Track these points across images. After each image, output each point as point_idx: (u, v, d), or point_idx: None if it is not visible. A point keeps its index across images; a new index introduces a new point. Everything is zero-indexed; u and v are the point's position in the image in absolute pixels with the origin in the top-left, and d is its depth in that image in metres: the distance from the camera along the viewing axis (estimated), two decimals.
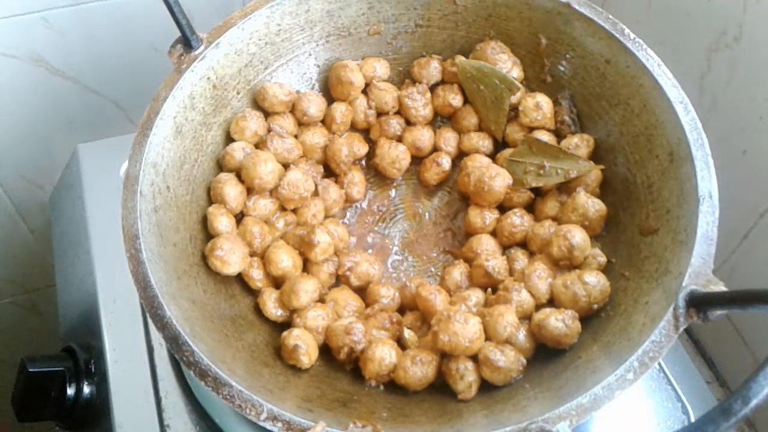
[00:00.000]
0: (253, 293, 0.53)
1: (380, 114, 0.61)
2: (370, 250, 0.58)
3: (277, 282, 0.53)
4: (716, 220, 0.45)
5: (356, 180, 0.59)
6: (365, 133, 0.62)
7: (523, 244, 0.55)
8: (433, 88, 0.61)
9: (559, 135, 0.58)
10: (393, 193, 0.62)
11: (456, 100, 0.60)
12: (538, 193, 0.57)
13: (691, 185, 0.46)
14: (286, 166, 0.56)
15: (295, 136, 0.59)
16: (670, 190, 0.48)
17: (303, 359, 0.47)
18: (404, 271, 0.58)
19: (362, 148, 0.60)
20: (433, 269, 0.58)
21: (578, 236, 0.50)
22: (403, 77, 0.63)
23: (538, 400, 0.43)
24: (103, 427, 0.56)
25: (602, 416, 0.55)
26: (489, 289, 0.51)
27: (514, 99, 0.58)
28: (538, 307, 0.49)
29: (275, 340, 0.50)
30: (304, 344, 0.47)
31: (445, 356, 0.48)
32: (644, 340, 0.41)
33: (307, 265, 0.54)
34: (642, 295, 0.46)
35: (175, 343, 0.42)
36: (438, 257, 0.58)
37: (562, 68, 0.58)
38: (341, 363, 0.50)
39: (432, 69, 0.60)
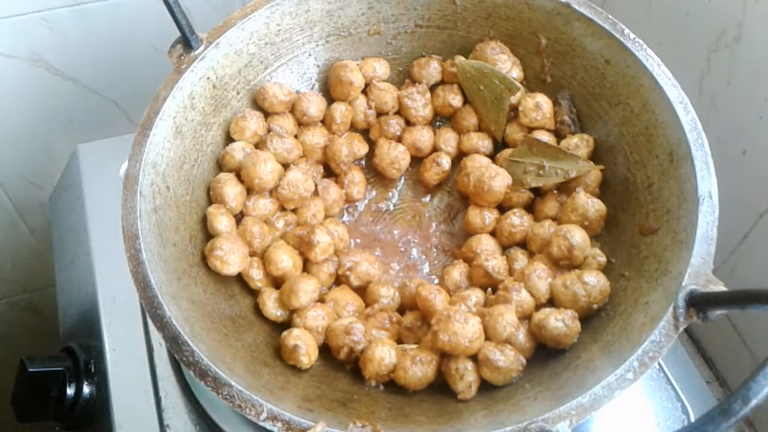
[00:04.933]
0: (253, 293, 0.53)
1: (380, 114, 0.61)
2: (377, 252, 0.58)
3: (277, 282, 0.53)
4: (716, 220, 0.45)
5: (356, 180, 0.59)
6: (365, 133, 0.62)
7: (523, 244, 0.55)
8: (433, 88, 0.61)
9: (559, 135, 0.58)
10: (393, 193, 0.62)
11: (456, 100, 0.60)
12: (538, 193, 0.57)
13: (691, 185, 0.46)
14: (286, 166, 0.56)
15: (295, 136, 0.59)
16: (669, 190, 0.48)
17: (303, 359, 0.47)
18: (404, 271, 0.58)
19: (362, 148, 0.60)
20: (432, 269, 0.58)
21: (578, 236, 0.50)
22: (403, 77, 0.63)
23: (537, 400, 0.43)
24: (103, 427, 0.56)
25: (602, 416, 0.55)
26: (489, 289, 0.51)
27: (513, 99, 0.58)
28: (538, 307, 0.49)
29: (275, 340, 0.50)
30: (303, 344, 0.47)
31: (445, 356, 0.48)
32: (644, 339, 0.41)
33: (307, 265, 0.54)
34: (642, 295, 0.46)
35: (174, 343, 0.42)
36: (438, 257, 0.58)
37: (562, 68, 0.58)
38: (341, 363, 0.50)
39: (432, 69, 0.60)
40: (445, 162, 0.59)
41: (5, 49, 0.73)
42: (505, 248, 0.55)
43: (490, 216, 0.56)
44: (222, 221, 0.52)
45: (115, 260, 0.57)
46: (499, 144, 0.60)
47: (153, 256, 0.46)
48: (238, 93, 0.57)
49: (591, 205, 0.52)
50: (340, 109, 0.59)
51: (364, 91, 0.61)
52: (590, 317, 0.48)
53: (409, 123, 0.61)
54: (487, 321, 0.47)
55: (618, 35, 0.53)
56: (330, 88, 0.61)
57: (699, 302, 0.41)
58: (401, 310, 0.53)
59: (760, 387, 0.30)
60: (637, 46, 0.52)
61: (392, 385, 0.48)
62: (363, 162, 0.62)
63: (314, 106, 0.58)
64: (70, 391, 0.59)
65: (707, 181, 0.46)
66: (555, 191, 0.55)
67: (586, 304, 0.48)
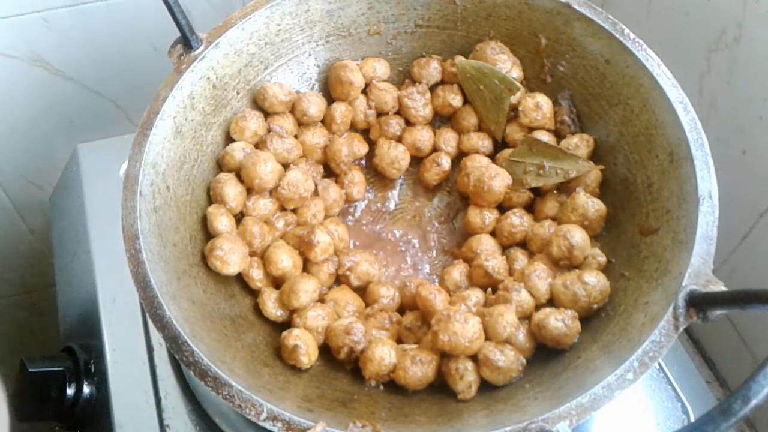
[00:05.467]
0: (253, 293, 0.53)
1: (380, 114, 0.61)
2: (381, 253, 0.58)
3: (277, 282, 0.53)
4: (716, 220, 0.45)
5: (356, 180, 0.59)
6: (365, 133, 0.62)
7: (523, 244, 0.55)
8: (433, 88, 0.61)
9: (559, 135, 0.58)
10: (393, 193, 0.62)
11: (456, 100, 0.60)
12: (538, 193, 0.57)
13: (691, 185, 0.46)
14: (286, 166, 0.56)
15: (295, 136, 0.59)
16: (670, 190, 0.48)
17: (303, 359, 0.47)
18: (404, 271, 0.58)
19: (362, 148, 0.60)
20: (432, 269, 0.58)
21: (578, 236, 0.50)
22: (403, 77, 0.63)
23: (538, 400, 0.43)
24: (103, 427, 0.56)
25: (602, 416, 0.55)
26: (489, 289, 0.51)
27: (513, 99, 0.58)
28: (538, 307, 0.49)
29: (275, 340, 0.50)
30: (303, 344, 0.47)
31: (445, 356, 0.48)
32: (644, 339, 0.41)
33: (307, 265, 0.54)
34: (642, 295, 0.46)
35: (174, 343, 0.42)
36: (438, 257, 0.58)
37: (562, 68, 0.58)
38: (341, 363, 0.50)
39: (432, 69, 0.60)
40: (445, 162, 0.59)
41: (5, 49, 0.73)
42: (505, 248, 0.55)
43: (490, 216, 0.56)
44: (222, 221, 0.52)
45: (115, 260, 0.57)
46: (499, 144, 0.60)
47: (153, 256, 0.46)
48: (238, 93, 0.57)
49: (591, 205, 0.52)
50: (340, 109, 0.59)
51: (364, 91, 0.61)
52: (590, 317, 0.48)
53: (409, 123, 0.61)
54: (487, 321, 0.47)
55: (618, 35, 0.53)
56: (330, 88, 0.61)
57: (699, 302, 0.41)
58: (401, 310, 0.53)
59: (760, 387, 0.30)
60: (637, 46, 0.52)
61: (392, 385, 0.48)
62: (363, 162, 0.62)
63: (314, 106, 0.58)
64: (70, 391, 0.59)
65: (707, 181, 0.46)
66: (555, 191, 0.55)
67: (586, 304, 0.48)
